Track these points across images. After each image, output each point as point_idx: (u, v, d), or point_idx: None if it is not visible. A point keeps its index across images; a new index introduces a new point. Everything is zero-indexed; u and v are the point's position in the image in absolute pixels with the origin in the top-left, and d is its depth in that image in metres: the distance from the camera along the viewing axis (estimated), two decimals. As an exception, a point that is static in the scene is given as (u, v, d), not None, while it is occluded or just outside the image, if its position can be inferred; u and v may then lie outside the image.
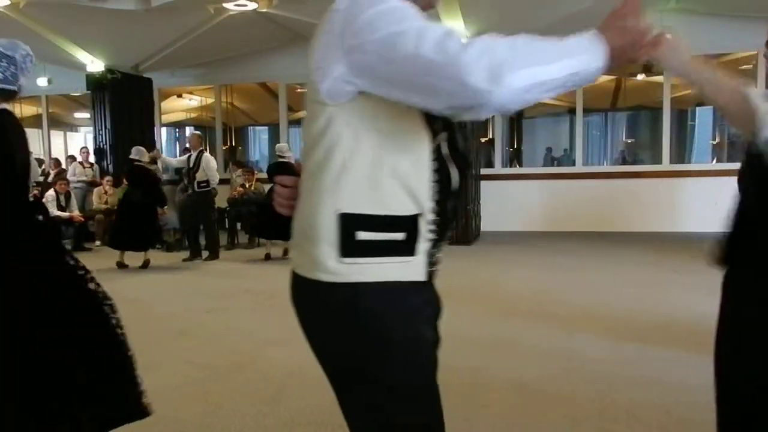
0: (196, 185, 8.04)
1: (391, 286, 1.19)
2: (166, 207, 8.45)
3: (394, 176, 1.16)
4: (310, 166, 1.22)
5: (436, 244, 1.25)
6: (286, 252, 8.12)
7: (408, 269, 1.21)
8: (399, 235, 1.18)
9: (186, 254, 8.20)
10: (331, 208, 1.17)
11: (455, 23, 8.63)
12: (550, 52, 1.04)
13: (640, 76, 11.82)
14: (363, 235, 1.17)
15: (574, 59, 1.06)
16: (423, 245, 1.22)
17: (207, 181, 8.03)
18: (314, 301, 1.24)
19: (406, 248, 1.19)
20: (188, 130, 17.94)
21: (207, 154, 8.35)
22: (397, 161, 1.16)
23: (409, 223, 1.18)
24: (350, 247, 1.17)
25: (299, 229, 1.25)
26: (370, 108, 1.15)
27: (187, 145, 9.44)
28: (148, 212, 7.54)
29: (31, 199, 2.28)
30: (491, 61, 0.97)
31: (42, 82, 12.06)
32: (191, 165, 8.08)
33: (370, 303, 1.19)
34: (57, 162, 12.25)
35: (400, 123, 1.16)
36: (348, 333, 1.21)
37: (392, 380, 1.23)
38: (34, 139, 12.40)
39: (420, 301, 1.26)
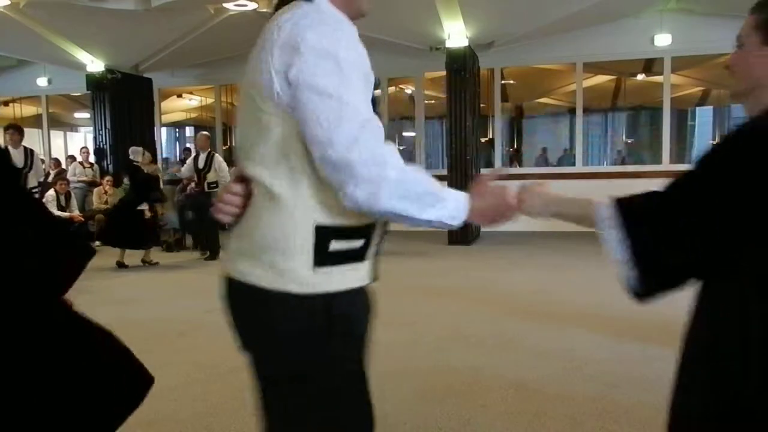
0: (206, 186, 8.10)
1: (354, 291, 1.29)
2: (164, 206, 8.46)
3: None
4: (276, 176, 1.22)
5: (377, 248, 1.36)
6: None
7: (362, 273, 1.31)
8: (359, 243, 1.27)
9: (190, 254, 8.22)
10: (309, 220, 1.21)
11: (455, 23, 8.64)
12: (426, 199, 1.18)
13: (640, 76, 11.83)
14: (334, 245, 1.23)
15: (440, 212, 1.20)
16: (371, 250, 1.33)
17: (216, 182, 8.09)
18: (279, 310, 1.25)
19: (361, 254, 1.29)
20: (189, 130, 17.94)
21: (218, 155, 8.44)
22: None
23: (366, 231, 1.27)
24: (323, 258, 1.23)
25: (259, 241, 1.24)
26: None
27: (188, 146, 9.45)
28: (139, 210, 7.62)
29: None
30: (376, 189, 1.12)
31: (42, 82, 12.08)
32: (201, 166, 8.13)
33: (343, 308, 1.27)
34: (57, 162, 12.25)
35: None
36: (321, 337, 1.26)
37: (355, 374, 1.34)
38: (34, 139, 12.40)
39: (369, 301, 1.39)
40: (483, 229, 9.90)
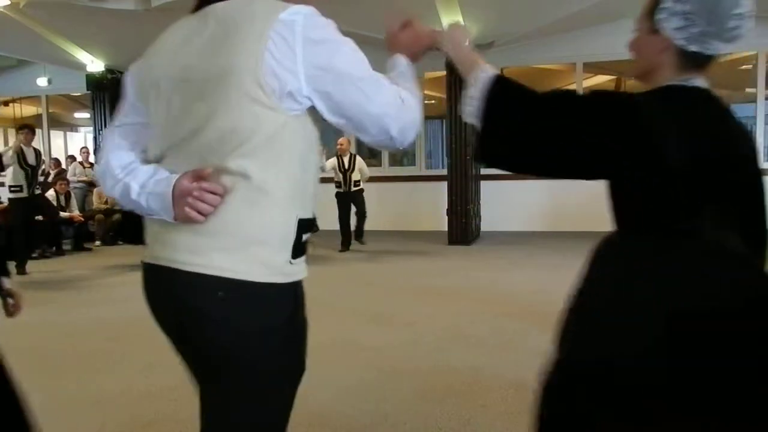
0: (352, 185, 8.63)
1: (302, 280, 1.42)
2: None
3: (315, 184, 1.37)
4: (267, 170, 1.24)
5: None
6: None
7: (305, 263, 1.40)
8: (308, 235, 1.36)
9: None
10: (293, 214, 1.29)
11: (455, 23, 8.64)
12: (409, 87, 1.53)
13: (640, 76, 11.84)
14: (304, 237, 1.33)
15: (408, 82, 1.59)
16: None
17: (359, 181, 8.67)
18: (270, 302, 1.30)
19: (305, 247, 1.38)
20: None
21: (359, 156, 8.83)
22: (314, 169, 1.37)
23: (313, 224, 1.39)
24: (298, 249, 1.32)
25: (246, 235, 1.25)
26: (310, 121, 1.30)
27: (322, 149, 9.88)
28: None
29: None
30: (404, 123, 1.40)
31: (42, 82, 12.08)
32: (347, 166, 8.58)
33: (302, 296, 1.44)
34: (57, 162, 12.25)
35: (315, 134, 1.34)
36: (296, 324, 1.43)
37: (297, 357, 1.51)
38: (34, 139, 12.39)
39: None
40: (483, 229, 9.91)
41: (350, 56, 1.27)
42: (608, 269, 1.42)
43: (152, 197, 1.30)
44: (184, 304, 1.28)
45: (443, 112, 9.95)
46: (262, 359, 1.31)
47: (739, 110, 14.56)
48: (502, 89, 1.38)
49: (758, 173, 1.38)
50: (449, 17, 8.50)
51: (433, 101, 12.05)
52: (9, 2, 8.33)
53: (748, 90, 10.81)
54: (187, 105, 1.27)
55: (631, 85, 12.60)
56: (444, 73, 9.17)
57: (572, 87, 10.82)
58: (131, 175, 1.36)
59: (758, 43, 9.53)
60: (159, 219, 1.31)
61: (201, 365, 1.37)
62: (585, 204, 10.00)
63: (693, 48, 1.31)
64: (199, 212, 1.23)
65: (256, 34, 1.21)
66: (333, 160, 8.57)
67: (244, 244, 1.25)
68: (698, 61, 1.33)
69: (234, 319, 1.27)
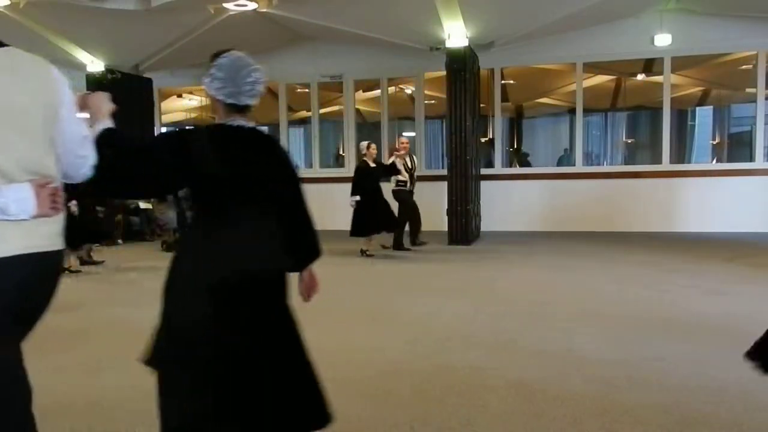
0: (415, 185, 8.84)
1: None
2: (165, 205, 8.48)
3: None
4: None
5: None
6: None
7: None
8: None
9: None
10: None
11: (455, 23, 8.64)
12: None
13: (640, 76, 11.83)
14: None
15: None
16: None
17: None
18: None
19: None
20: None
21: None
22: None
23: None
24: None
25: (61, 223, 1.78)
26: None
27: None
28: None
29: None
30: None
31: (42, 82, 12.09)
32: (410, 166, 8.75)
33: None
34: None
35: None
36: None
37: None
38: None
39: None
40: (483, 229, 9.91)
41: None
42: (177, 251, 2.06)
43: None
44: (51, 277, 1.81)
45: (443, 112, 9.94)
46: None
47: (739, 110, 14.51)
48: (108, 136, 1.92)
49: (293, 183, 2.16)
50: (449, 17, 8.50)
51: (433, 101, 12.04)
52: (9, 2, 8.34)
53: (748, 90, 10.81)
54: None
55: (630, 84, 12.61)
56: (444, 73, 9.16)
57: (572, 87, 10.82)
58: None
59: (758, 43, 9.53)
60: None
61: None
62: (584, 204, 10.02)
63: (230, 101, 1.99)
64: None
65: (33, 77, 1.76)
66: (399, 160, 8.53)
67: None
68: (237, 108, 2.00)
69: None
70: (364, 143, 8.44)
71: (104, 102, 2.06)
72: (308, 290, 2.35)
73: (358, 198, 8.00)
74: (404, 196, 8.68)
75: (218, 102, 2.01)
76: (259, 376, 1.91)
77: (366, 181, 8.07)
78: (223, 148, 1.94)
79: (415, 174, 8.85)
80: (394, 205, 8.49)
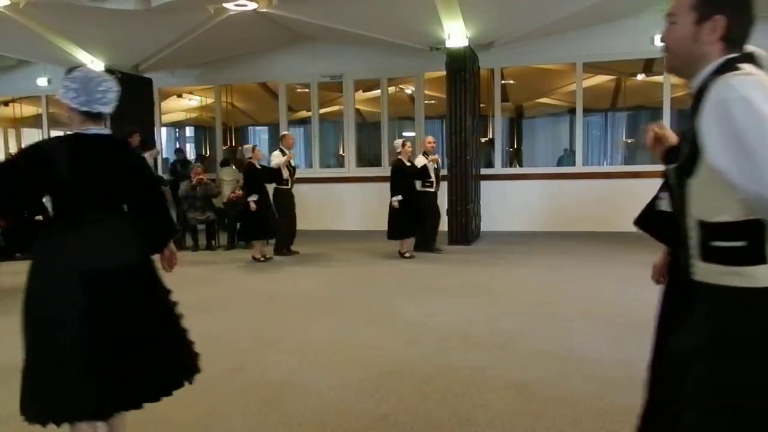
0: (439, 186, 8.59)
1: None
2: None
3: None
4: None
5: None
6: (285, 252, 8.21)
7: None
8: None
9: (189, 254, 8.23)
10: None
11: (455, 23, 8.64)
12: None
13: (640, 76, 11.83)
14: None
15: None
16: None
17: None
18: None
19: None
20: (189, 130, 17.93)
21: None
22: None
23: None
24: None
25: None
26: None
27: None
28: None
29: None
30: None
31: (42, 82, 12.07)
32: (436, 165, 8.44)
33: None
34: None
35: None
36: None
37: None
38: (34, 139, 12.38)
39: None
40: (483, 229, 9.91)
41: None
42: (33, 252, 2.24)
43: None
44: None
45: (443, 112, 9.94)
46: None
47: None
48: None
49: (144, 185, 2.38)
50: (449, 17, 8.50)
51: (433, 101, 12.04)
52: (9, 2, 8.33)
53: (748, 90, 10.79)
54: None
55: (630, 84, 12.60)
56: (444, 73, 9.16)
57: (572, 87, 10.82)
58: None
59: (758, 44, 9.51)
60: None
61: None
62: (584, 204, 10.01)
63: (84, 109, 2.23)
64: None
65: None
66: (424, 159, 8.26)
67: None
68: (91, 116, 2.25)
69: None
70: (399, 141, 8.16)
71: None
72: (168, 263, 2.57)
73: (400, 197, 7.80)
74: (431, 198, 8.38)
75: (73, 111, 2.24)
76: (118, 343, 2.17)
77: (404, 180, 7.89)
78: (75, 157, 2.18)
79: (440, 175, 8.63)
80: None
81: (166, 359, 2.31)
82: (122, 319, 2.18)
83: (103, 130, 2.30)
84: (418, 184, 8.24)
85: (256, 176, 8.00)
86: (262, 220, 7.90)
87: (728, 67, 1.38)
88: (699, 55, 1.46)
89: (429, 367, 3.65)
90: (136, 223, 2.35)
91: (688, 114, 1.46)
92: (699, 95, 1.40)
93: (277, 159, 8.17)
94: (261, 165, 8.18)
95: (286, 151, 8.21)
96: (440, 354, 3.91)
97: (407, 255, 7.92)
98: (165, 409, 3.11)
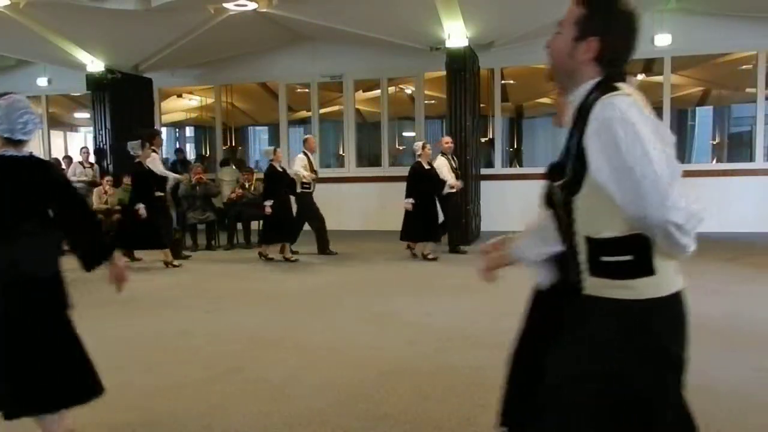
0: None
1: None
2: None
3: None
4: None
5: None
6: (328, 252, 8.28)
7: None
8: None
9: (189, 254, 8.23)
10: None
11: (455, 23, 8.64)
12: None
13: (640, 76, 11.82)
14: None
15: None
16: None
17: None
18: None
19: None
20: (189, 130, 17.93)
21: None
22: None
23: None
24: None
25: None
26: None
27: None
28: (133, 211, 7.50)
29: None
30: None
31: (42, 82, 12.08)
32: (455, 165, 8.21)
33: None
34: (57, 162, 12.25)
35: None
36: None
37: None
38: (34, 139, 12.37)
39: None
40: (483, 229, 9.91)
41: None
42: None
43: None
44: None
45: (443, 112, 9.94)
46: None
47: (739, 110, 14.49)
48: None
49: (68, 199, 2.50)
50: (449, 17, 8.50)
51: (433, 101, 12.04)
52: (9, 2, 8.34)
53: (748, 90, 10.80)
54: None
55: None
56: (444, 73, 9.16)
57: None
58: None
59: (758, 43, 9.53)
60: None
61: None
62: (585, 204, 10.01)
63: (5, 135, 2.38)
64: None
65: None
66: (444, 160, 8.06)
67: None
68: (12, 142, 2.40)
69: None
70: (419, 143, 7.99)
71: None
72: (117, 280, 2.53)
73: (412, 201, 7.70)
74: (452, 197, 8.22)
75: None
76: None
77: (421, 184, 7.75)
78: None
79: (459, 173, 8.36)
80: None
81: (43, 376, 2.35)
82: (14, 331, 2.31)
83: (21, 153, 2.46)
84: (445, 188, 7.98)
85: (276, 179, 7.91)
86: (284, 223, 7.79)
87: (607, 86, 1.44)
88: (572, 70, 1.52)
89: (429, 367, 3.65)
90: (57, 237, 2.47)
91: (570, 129, 1.49)
92: (581, 112, 1.45)
93: (300, 162, 8.16)
94: (282, 168, 8.05)
95: (310, 155, 8.23)
96: (441, 354, 3.91)
97: (430, 257, 7.74)
98: (165, 408, 3.11)
